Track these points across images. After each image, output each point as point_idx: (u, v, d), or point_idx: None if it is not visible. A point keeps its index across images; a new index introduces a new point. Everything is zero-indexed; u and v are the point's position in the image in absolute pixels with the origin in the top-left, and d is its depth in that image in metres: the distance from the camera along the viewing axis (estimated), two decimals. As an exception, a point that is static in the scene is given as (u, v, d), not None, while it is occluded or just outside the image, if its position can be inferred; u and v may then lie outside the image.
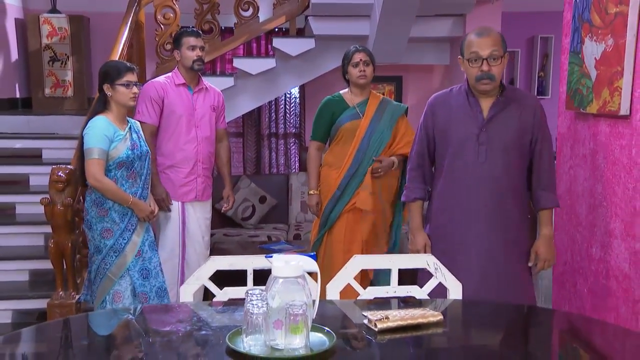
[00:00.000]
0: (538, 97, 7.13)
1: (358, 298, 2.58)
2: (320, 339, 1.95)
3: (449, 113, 3.11)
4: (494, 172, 3.01)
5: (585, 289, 3.44)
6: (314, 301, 1.97)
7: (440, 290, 2.60)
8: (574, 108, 3.47)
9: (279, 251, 5.08)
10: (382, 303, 2.47)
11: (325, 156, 4.23)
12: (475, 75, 2.96)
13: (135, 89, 3.55)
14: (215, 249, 5.16)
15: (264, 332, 1.87)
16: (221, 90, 5.41)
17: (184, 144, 4.13)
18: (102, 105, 3.57)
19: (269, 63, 5.56)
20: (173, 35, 4.37)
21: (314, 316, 1.96)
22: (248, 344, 1.87)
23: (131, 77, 3.54)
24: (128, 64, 3.63)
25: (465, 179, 3.05)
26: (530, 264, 3.11)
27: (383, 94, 6.69)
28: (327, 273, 3.81)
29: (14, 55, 6.06)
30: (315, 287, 2.48)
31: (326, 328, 2.00)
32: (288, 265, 1.90)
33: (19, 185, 4.93)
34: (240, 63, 5.55)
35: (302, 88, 6.62)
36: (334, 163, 4.13)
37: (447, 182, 3.12)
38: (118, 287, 3.56)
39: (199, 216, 4.25)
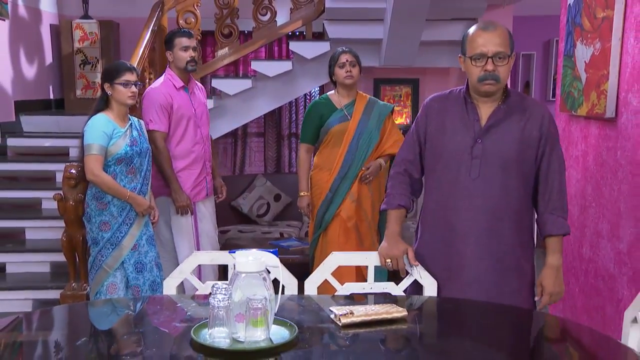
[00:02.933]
0: (553, 99, 7.15)
1: (336, 294, 2.64)
2: (282, 332, 2.01)
3: (443, 119, 2.70)
4: (487, 190, 2.60)
5: (576, 288, 3.49)
6: (276, 296, 2.03)
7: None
8: (567, 110, 3.53)
9: (288, 247, 5.25)
10: (358, 299, 2.53)
11: (315, 159, 4.31)
12: (478, 75, 2.55)
13: (133, 88, 3.69)
14: (230, 245, 5.32)
15: (227, 325, 1.94)
16: (240, 92, 5.64)
17: (193, 145, 4.22)
18: (104, 103, 3.73)
19: (285, 66, 5.69)
20: (164, 37, 4.41)
21: (276, 310, 2.02)
22: (212, 336, 1.93)
23: (130, 77, 3.69)
24: (128, 64, 3.77)
25: (454, 196, 2.64)
26: (536, 298, 2.70)
27: (400, 96, 6.82)
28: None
29: (49, 58, 6.36)
30: (294, 283, 2.60)
31: (289, 321, 2.06)
32: (250, 261, 1.96)
33: (47, 181, 5.16)
34: (258, 65, 5.70)
35: (321, 89, 6.76)
36: (324, 165, 4.20)
37: (436, 198, 2.73)
38: (113, 279, 3.72)
39: (210, 212, 4.38)
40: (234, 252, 2.06)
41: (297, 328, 2.03)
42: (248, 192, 6.29)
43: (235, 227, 6.05)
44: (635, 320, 2.09)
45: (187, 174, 4.23)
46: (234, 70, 6.72)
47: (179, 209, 4.18)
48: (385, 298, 2.56)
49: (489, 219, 2.61)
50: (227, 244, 5.30)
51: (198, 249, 4.22)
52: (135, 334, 2.20)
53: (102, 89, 3.73)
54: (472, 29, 2.61)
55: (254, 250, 2.10)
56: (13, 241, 4.85)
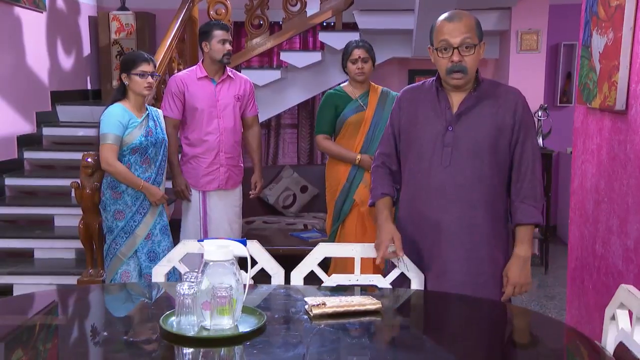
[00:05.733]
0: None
1: (323, 285, 2.64)
2: (250, 320, 2.04)
3: (416, 109, 2.68)
4: (459, 178, 2.57)
5: (590, 285, 3.40)
6: (245, 284, 2.06)
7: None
8: (583, 103, 3.44)
9: (308, 239, 5.25)
10: (343, 290, 2.53)
11: None
12: (445, 67, 2.53)
13: (150, 79, 3.74)
14: (251, 235, 5.34)
15: (194, 313, 1.98)
16: (269, 83, 5.66)
17: (205, 135, 4.23)
18: (121, 94, 3.80)
19: (314, 56, 5.71)
20: (199, 28, 4.45)
21: (244, 298, 2.04)
22: (179, 324, 1.98)
23: (146, 68, 3.73)
24: (145, 54, 3.81)
25: (427, 186, 2.62)
26: (503, 289, 2.65)
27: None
28: (342, 265, 3.93)
29: (87, 50, 6.52)
30: (280, 272, 2.62)
31: (259, 310, 2.09)
32: (217, 250, 1.99)
33: (78, 170, 5.27)
34: (286, 56, 5.73)
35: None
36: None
37: (410, 189, 2.71)
38: (126, 266, 3.81)
39: (225, 204, 4.35)
40: (202, 241, 2.10)
41: (265, 317, 2.04)
42: (275, 183, 6.31)
43: (260, 218, 6.07)
44: (613, 318, 2.04)
45: (198, 162, 4.27)
46: (268, 61, 6.75)
47: (175, 194, 4.31)
48: (369, 290, 2.56)
49: (461, 208, 2.59)
50: (249, 235, 5.33)
51: (205, 237, 4.19)
52: (110, 318, 2.28)
53: (120, 79, 3.80)
54: (438, 20, 2.59)
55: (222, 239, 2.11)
56: (42, 227, 4.99)
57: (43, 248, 4.79)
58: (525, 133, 2.63)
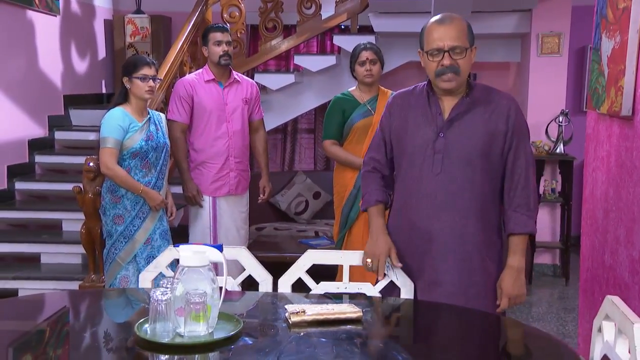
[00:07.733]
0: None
1: (311, 292, 2.58)
2: (226, 327, 2.01)
3: (406, 115, 2.60)
4: (450, 186, 2.50)
5: (600, 298, 3.28)
6: (220, 289, 2.02)
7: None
8: (592, 108, 3.33)
9: (316, 246, 5.15)
10: (332, 298, 2.48)
11: None
12: (435, 70, 2.45)
13: (151, 83, 3.70)
14: (263, 242, 5.28)
15: (169, 320, 1.94)
16: (284, 87, 5.58)
17: (214, 139, 4.18)
18: (123, 97, 3.77)
19: (329, 60, 5.63)
20: (202, 32, 4.43)
21: (220, 305, 2.00)
22: (153, 330, 1.94)
23: (148, 71, 3.70)
24: (147, 58, 3.78)
25: (417, 193, 2.55)
26: (497, 302, 2.56)
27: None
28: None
29: (102, 53, 6.53)
30: (269, 279, 2.58)
31: (236, 317, 2.06)
32: (192, 255, 1.96)
33: (88, 174, 5.27)
34: (301, 60, 5.66)
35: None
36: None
37: (401, 197, 2.64)
38: (125, 272, 3.77)
39: (233, 210, 4.30)
40: (178, 246, 2.08)
41: (242, 323, 2.01)
42: (287, 189, 6.22)
43: (271, 224, 5.99)
44: (600, 330, 1.96)
45: (206, 167, 4.22)
46: (285, 64, 6.67)
47: (186, 199, 4.25)
48: (360, 299, 2.51)
49: (453, 217, 2.52)
50: (259, 241, 5.27)
51: (215, 243, 4.18)
52: (86, 327, 2.25)
53: (122, 83, 3.77)
54: (428, 23, 2.52)
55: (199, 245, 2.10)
56: (50, 232, 4.97)
57: (50, 253, 4.76)
58: (518, 140, 2.54)
